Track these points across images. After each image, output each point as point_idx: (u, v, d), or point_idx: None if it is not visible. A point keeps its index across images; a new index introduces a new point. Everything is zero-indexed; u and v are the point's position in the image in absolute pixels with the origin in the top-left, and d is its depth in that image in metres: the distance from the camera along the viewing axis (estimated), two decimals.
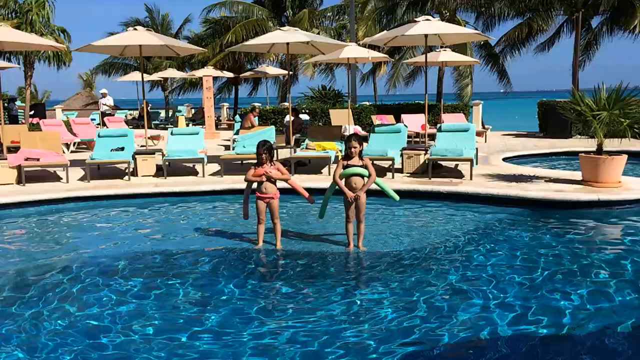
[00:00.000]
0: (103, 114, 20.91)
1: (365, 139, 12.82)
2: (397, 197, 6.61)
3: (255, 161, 6.54)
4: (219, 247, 6.72)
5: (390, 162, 10.27)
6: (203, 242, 6.95)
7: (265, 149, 6.35)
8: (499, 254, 6.24)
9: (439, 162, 10.45)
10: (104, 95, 22.36)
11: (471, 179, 9.69)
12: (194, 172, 11.14)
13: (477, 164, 10.65)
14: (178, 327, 4.46)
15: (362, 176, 6.17)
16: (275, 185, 6.46)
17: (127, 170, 10.61)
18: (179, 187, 9.75)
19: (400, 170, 10.56)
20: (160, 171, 10.82)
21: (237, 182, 9.87)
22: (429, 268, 5.80)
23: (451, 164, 10.90)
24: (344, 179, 6.21)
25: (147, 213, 8.77)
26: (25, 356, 4.02)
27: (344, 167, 6.18)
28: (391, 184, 9.46)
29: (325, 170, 10.79)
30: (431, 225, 7.77)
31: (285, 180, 6.58)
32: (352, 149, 6.13)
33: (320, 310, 4.71)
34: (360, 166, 6.15)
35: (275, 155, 11.76)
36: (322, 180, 10.04)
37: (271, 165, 6.39)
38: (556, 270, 5.64)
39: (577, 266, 5.76)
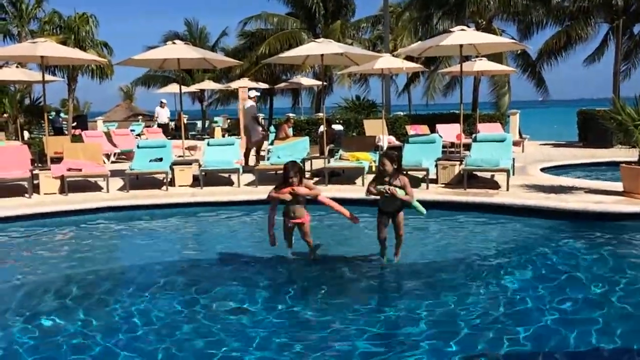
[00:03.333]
0: (160, 125, 20.90)
1: (399, 149, 12.79)
2: (424, 211, 6.12)
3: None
4: (253, 257, 6.78)
5: (424, 173, 10.20)
6: (239, 252, 7.03)
7: (295, 172, 5.78)
8: (536, 267, 6.12)
9: (474, 172, 10.33)
10: (162, 106, 22.27)
11: (507, 189, 9.55)
12: (230, 182, 11.31)
13: (513, 174, 10.48)
14: (207, 336, 4.50)
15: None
16: (305, 208, 6.02)
17: (165, 181, 10.85)
18: (215, 197, 9.90)
19: (435, 181, 10.48)
20: (196, 181, 11.01)
21: None
22: (464, 281, 5.73)
23: (487, 175, 10.75)
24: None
25: (184, 222, 8.94)
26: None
27: (381, 184, 5.77)
28: (426, 194, 9.43)
29: (359, 180, 10.79)
30: (466, 236, 7.68)
31: (315, 197, 5.99)
32: (383, 167, 5.69)
33: (352, 324, 4.69)
34: (398, 187, 5.72)
35: (305, 170, 11.78)
36: (355, 191, 10.04)
37: (299, 185, 5.87)
38: (596, 284, 5.50)
39: (618, 281, 5.61)
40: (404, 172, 6.02)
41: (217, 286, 5.70)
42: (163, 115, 21.87)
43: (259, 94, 15.79)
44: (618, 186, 9.15)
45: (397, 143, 15.76)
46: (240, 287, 5.69)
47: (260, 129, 14.04)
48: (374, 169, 11.29)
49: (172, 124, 27.02)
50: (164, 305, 5.21)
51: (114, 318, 4.96)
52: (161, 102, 22.55)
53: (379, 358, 4.06)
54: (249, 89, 15.39)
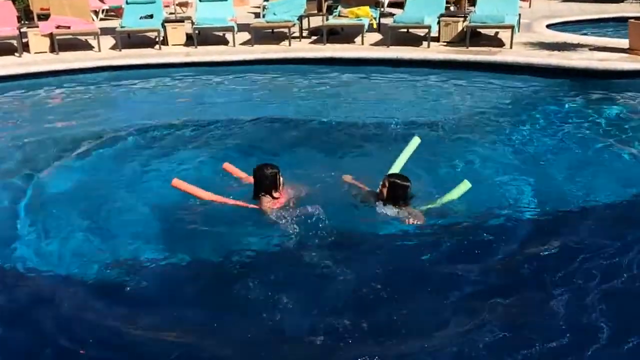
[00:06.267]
0: None
1: (400, 5, 12.20)
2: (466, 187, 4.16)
3: None
4: (249, 118, 6.73)
5: (426, 30, 9.84)
6: (234, 112, 6.98)
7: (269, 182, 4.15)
8: (537, 124, 6.17)
9: (478, 29, 9.96)
10: None
11: (511, 47, 9.28)
12: (225, 41, 10.92)
13: (518, 31, 10.11)
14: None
15: None
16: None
17: (157, 39, 10.48)
18: (211, 57, 9.64)
19: (437, 39, 10.12)
20: (190, 40, 10.64)
21: (267, 51, 9.74)
22: (463, 139, 5.77)
23: (491, 32, 10.38)
24: None
25: (179, 83, 8.80)
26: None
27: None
28: (427, 53, 9.20)
29: (358, 39, 10.42)
30: (467, 95, 7.63)
31: None
32: (381, 189, 4.10)
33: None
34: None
35: (303, 28, 11.26)
36: (354, 50, 9.78)
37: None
38: (594, 141, 5.58)
39: (615, 137, 5.68)
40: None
41: (210, 145, 5.69)
42: None
43: None
44: (624, 43, 8.89)
45: None
46: (233, 148, 5.61)
47: None
48: (374, 26, 10.86)
49: None
50: (152, 162, 5.27)
51: (108, 173, 5.07)
52: None
53: None
54: None
